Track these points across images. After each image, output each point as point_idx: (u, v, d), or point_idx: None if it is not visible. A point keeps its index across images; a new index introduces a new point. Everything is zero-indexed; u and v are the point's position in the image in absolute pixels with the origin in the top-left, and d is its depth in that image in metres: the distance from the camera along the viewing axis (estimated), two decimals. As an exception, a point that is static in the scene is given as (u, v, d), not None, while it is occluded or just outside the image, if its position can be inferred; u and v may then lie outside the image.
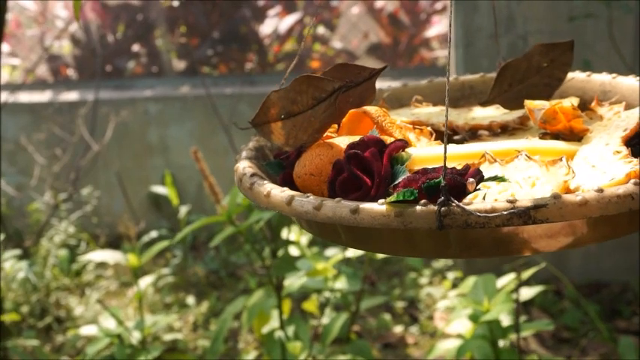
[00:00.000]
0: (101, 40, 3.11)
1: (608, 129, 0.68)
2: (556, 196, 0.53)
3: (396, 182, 0.58)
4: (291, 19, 3.06)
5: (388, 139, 0.63)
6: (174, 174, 2.86)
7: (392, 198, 0.55)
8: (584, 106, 0.80)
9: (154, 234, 2.63)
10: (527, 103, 0.72)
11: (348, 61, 3.15)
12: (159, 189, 2.82)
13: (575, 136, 0.70)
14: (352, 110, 0.67)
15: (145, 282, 1.78)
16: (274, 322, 1.61)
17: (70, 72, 3.24)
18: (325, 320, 1.89)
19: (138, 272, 1.79)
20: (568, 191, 0.59)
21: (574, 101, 0.79)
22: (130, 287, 2.55)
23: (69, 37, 3.24)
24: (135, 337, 1.67)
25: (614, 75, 0.83)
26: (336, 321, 1.74)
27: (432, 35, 2.96)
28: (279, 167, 0.68)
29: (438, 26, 2.96)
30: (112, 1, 3.18)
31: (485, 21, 2.24)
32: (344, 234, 0.60)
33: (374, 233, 0.58)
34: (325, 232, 0.63)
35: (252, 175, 0.64)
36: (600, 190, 0.54)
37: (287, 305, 1.89)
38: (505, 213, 0.52)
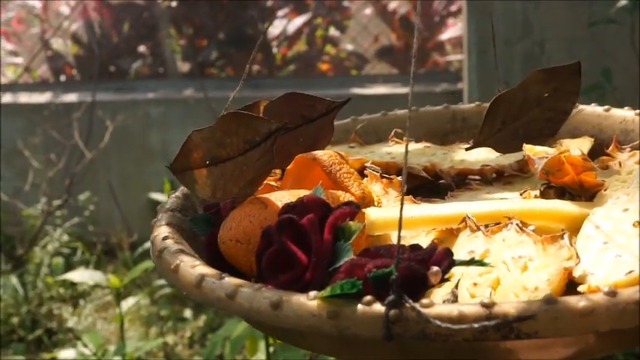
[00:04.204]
0: (103, 39, 3.01)
1: (628, 186, 0.52)
2: (549, 301, 0.38)
3: (337, 265, 0.44)
4: (299, 21, 2.93)
5: (342, 195, 0.49)
6: (175, 180, 2.75)
7: (326, 292, 0.40)
8: (600, 148, 0.64)
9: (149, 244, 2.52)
10: (527, 148, 0.57)
11: (359, 65, 3.02)
12: (158, 196, 2.71)
13: (585, 190, 0.55)
14: (300, 155, 0.53)
15: (128, 304, 1.67)
16: (261, 355, 1.48)
17: (74, 72, 3.14)
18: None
19: (122, 291, 1.69)
20: (571, 280, 0.45)
21: (586, 145, 0.63)
22: (127, 298, 2.44)
23: (70, 36, 3.14)
24: (114, 362, 1.57)
25: (637, 111, 0.67)
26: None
27: (446, 38, 2.82)
28: (207, 224, 0.54)
29: (453, 29, 2.81)
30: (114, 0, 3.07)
31: (500, 27, 2.12)
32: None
33: (302, 332, 0.44)
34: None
35: (166, 237, 0.50)
36: (612, 293, 0.39)
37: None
38: (476, 326, 0.37)
